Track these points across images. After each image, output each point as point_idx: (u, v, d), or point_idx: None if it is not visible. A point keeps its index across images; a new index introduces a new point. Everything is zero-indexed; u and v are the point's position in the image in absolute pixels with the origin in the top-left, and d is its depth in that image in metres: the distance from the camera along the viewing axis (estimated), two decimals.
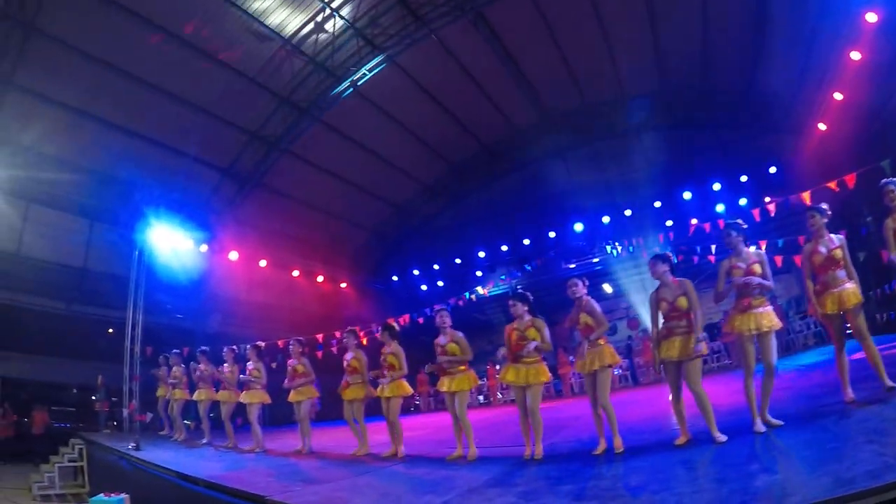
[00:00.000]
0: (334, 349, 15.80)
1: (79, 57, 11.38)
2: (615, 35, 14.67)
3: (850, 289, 4.96)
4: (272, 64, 13.78)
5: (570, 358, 16.22)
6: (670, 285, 5.07)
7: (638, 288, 19.31)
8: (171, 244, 12.59)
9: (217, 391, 9.17)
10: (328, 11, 13.01)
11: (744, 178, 15.46)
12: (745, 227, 5.09)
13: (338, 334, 16.08)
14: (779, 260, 11.22)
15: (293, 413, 8.17)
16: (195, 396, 9.48)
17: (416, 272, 21.40)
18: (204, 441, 9.40)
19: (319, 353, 14.73)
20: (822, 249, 5.05)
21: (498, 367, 17.78)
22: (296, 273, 18.57)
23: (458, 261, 20.95)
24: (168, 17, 11.53)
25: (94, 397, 12.36)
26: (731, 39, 13.99)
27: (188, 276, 14.10)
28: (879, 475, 2.96)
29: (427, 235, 21.68)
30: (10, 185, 12.04)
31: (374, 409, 8.19)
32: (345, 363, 7.62)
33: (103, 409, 11.98)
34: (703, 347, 5.00)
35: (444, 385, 6.21)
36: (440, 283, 20.87)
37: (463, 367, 6.22)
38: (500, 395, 17.57)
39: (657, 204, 16.83)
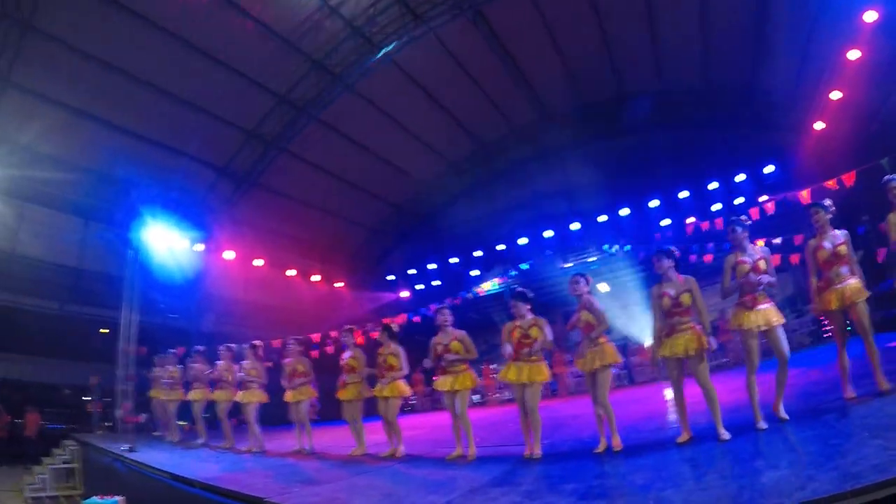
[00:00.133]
0: (330, 349, 15.76)
1: (76, 56, 11.29)
2: (614, 35, 14.70)
3: (855, 284, 4.94)
4: (269, 62, 13.68)
5: (567, 357, 16.22)
6: (674, 281, 5.04)
7: (633, 287, 19.40)
8: (166, 243, 12.52)
9: (213, 391, 9.06)
10: (327, 10, 12.94)
11: (741, 178, 15.47)
12: (749, 222, 5.07)
13: (334, 334, 16.04)
14: (776, 259, 11.23)
15: (287, 413, 8.09)
16: (190, 396, 9.34)
17: (412, 271, 21.34)
18: (200, 442, 9.31)
19: (315, 353, 14.63)
20: (827, 245, 5.03)
21: (493, 366, 17.79)
22: (292, 272, 18.45)
23: (454, 260, 20.91)
24: (164, 14, 11.42)
25: (86, 398, 12.24)
26: (729, 38, 14.00)
27: (183, 276, 14.02)
28: (886, 469, 2.96)
29: (424, 235, 21.62)
30: (6, 185, 11.96)
31: (370, 409, 8.13)
32: (342, 362, 7.56)
33: (97, 410, 11.86)
34: (713, 343, 4.97)
35: (447, 384, 6.14)
36: (436, 283, 20.80)
37: (464, 367, 6.17)
38: (496, 395, 17.57)
39: (654, 203, 16.83)
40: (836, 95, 10.72)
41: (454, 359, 6.13)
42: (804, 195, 9.27)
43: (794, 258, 10.88)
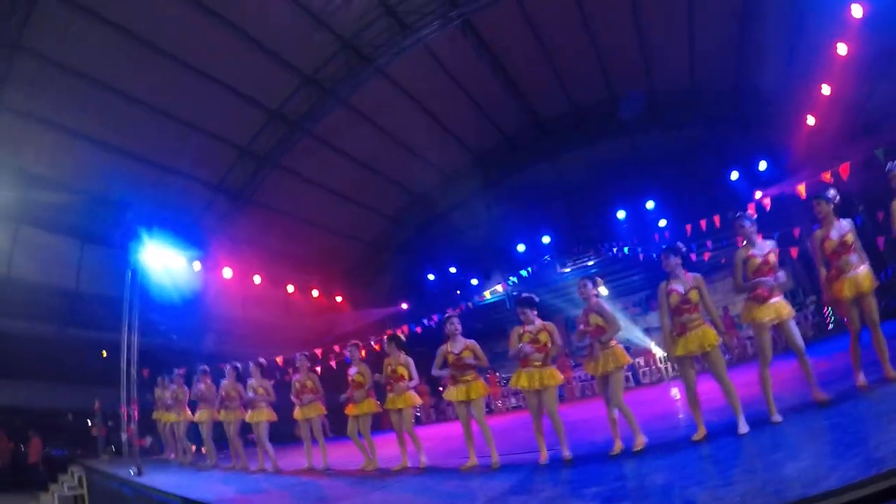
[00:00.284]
0: (333, 363, 15.71)
1: (68, 75, 11.18)
2: (602, 37, 14.74)
3: (865, 272, 5.00)
4: (260, 77, 13.67)
5: (571, 362, 16.22)
6: (682, 278, 5.07)
7: (628, 290, 19.47)
8: (163, 263, 12.40)
9: (219, 411, 8.95)
10: (316, 24, 12.95)
11: (735, 175, 15.60)
12: (755, 216, 5.13)
13: (336, 348, 16.00)
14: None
15: (295, 430, 8.00)
16: (196, 417, 9.24)
17: (410, 283, 21.31)
18: (209, 463, 9.20)
19: (318, 368, 14.57)
20: (834, 235, 5.10)
21: (497, 374, 17.75)
22: (290, 288, 18.41)
23: (452, 269, 20.90)
24: (154, 31, 11.38)
25: (90, 422, 12.09)
26: (717, 38, 14.08)
27: (182, 295, 13.87)
28: None
29: (420, 246, 21.60)
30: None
31: (374, 423, 8.05)
32: (349, 378, 7.49)
33: (101, 434, 11.72)
34: (726, 337, 5.02)
35: (461, 394, 6.06)
36: (436, 293, 20.79)
37: (474, 375, 6.13)
38: (499, 404, 17.52)
39: (650, 204, 16.92)
40: (826, 90, 10.85)
41: (470, 363, 6.07)
42: (801, 189, 9.36)
43: (793, 252, 10.96)
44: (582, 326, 5.57)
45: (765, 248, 5.05)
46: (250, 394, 8.30)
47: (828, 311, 13.43)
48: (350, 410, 7.35)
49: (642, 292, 19.24)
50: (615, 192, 17.10)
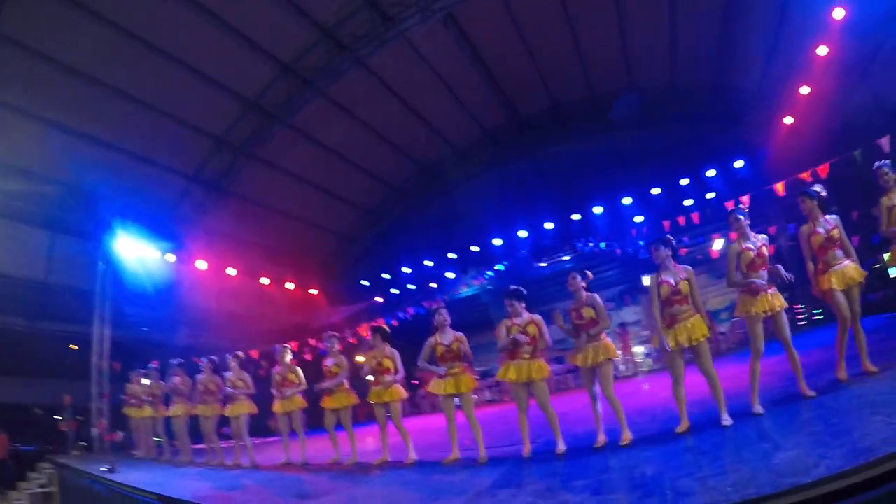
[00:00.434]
0: (308, 356, 15.53)
1: (39, 61, 10.77)
2: (584, 34, 14.82)
3: (852, 265, 5.13)
4: (238, 66, 13.38)
5: (550, 355, 16.30)
6: (672, 269, 5.11)
7: (603, 286, 19.62)
8: (136, 254, 12.10)
9: (195, 405, 8.72)
10: (297, 14, 12.72)
11: (711, 173, 15.85)
12: (747, 210, 5.21)
13: (312, 341, 15.83)
14: None
15: (269, 423, 7.84)
16: (171, 412, 9.00)
17: (385, 276, 21.17)
18: (185, 459, 8.98)
19: (294, 362, 14.36)
20: (821, 230, 5.22)
21: (476, 368, 17.77)
22: (265, 281, 18.14)
23: (428, 263, 20.83)
24: (129, 17, 11.03)
25: (58, 417, 11.70)
26: (698, 36, 14.26)
27: (155, 287, 13.53)
28: (895, 442, 3.02)
29: (395, 238, 21.45)
30: None
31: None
32: (325, 369, 7.33)
33: (71, 429, 11.36)
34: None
35: (450, 387, 5.98)
36: (411, 286, 20.70)
37: (462, 367, 6.06)
38: (477, 396, 17.55)
39: (627, 200, 17.10)
40: (804, 90, 11.08)
41: (463, 351, 6.01)
42: (779, 188, 9.56)
43: (770, 249, 11.15)
44: (576, 320, 5.52)
45: (758, 242, 5.14)
46: (229, 387, 8.11)
47: (800, 307, 13.77)
48: (326, 403, 7.20)
49: (616, 287, 19.44)
50: (593, 188, 17.20)
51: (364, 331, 17.17)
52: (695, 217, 12.86)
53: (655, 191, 16.62)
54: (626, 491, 3.80)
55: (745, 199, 10.23)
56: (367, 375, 6.85)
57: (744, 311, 5.09)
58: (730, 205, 11.06)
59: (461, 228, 19.79)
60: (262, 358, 14.18)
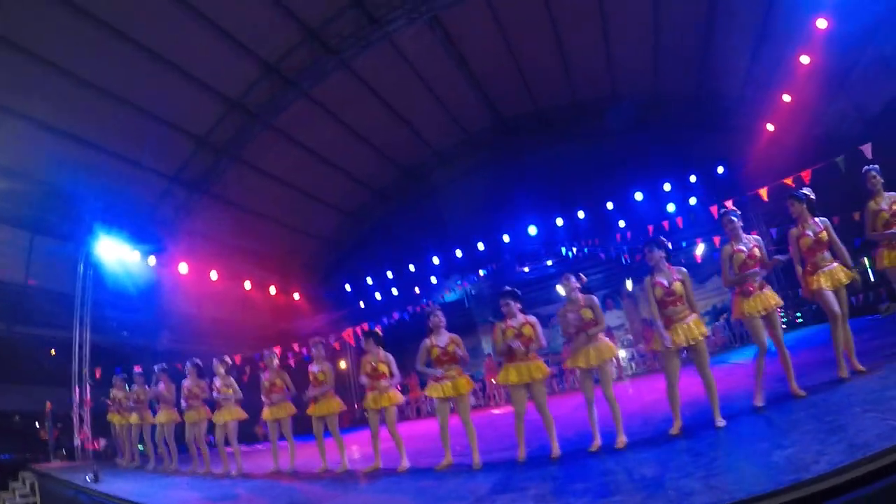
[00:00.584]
0: (292, 362, 15.36)
1: (16, 54, 10.42)
2: (568, 40, 14.96)
3: (839, 267, 5.27)
4: (221, 65, 13.17)
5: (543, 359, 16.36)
6: (666, 271, 5.17)
7: (585, 291, 19.70)
8: (117, 257, 11.83)
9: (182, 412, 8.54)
10: (282, 13, 12.59)
11: (693, 179, 16.11)
12: (739, 212, 5.31)
13: (296, 347, 15.66)
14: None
15: (255, 429, 7.72)
16: (157, 419, 8.79)
17: (369, 280, 21.06)
18: (171, 467, 8.79)
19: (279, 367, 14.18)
20: (810, 233, 5.34)
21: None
22: (248, 285, 17.90)
23: (411, 267, 20.79)
24: (111, 13, 10.77)
25: (37, 424, 11.35)
26: (679, 42, 14.46)
27: (137, 291, 13.23)
28: (891, 437, 3.10)
29: (379, 242, 21.34)
30: None
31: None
32: (310, 375, 7.25)
33: (52, 437, 11.03)
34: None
35: (446, 390, 5.90)
36: (395, 291, 20.62)
37: (459, 370, 6.01)
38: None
39: (609, 205, 17.29)
40: (787, 98, 11.31)
41: (459, 355, 5.96)
42: (763, 193, 9.74)
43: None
44: (575, 322, 5.49)
45: (750, 244, 5.24)
46: (216, 393, 7.97)
47: (780, 310, 14.03)
48: (312, 410, 7.14)
49: (599, 292, 19.60)
50: (577, 193, 17.37)
51: (348, 336, 17.07)
52: (679, 222, 13.04)
53: (638, 196, 16.82)
54: (628, 493, 3.79)
55: (728, 203, 10.38)
56: (361, 380, 6.76)
57: (739, 313, 5.19)
58: (714, 209, 11.28)
59: (444, 233, 19.79)
60: (244, 363, 14.01)
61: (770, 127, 12.51)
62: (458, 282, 20.45)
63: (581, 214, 17.82)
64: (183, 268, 15.01)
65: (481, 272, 19.84)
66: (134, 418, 9.10)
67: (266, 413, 7.60)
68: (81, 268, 10.17)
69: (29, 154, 11.80)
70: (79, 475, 7.99)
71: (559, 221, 18.17)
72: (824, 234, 5.31)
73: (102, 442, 10.75)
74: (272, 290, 18.95)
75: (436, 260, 20.14)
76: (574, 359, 5.47)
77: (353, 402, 19.24)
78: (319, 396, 7.12)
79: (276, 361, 7.85)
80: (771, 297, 5.12)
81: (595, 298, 5.57)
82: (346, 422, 13.72)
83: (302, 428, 8.65)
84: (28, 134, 11.64)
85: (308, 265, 21.05)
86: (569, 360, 5.58)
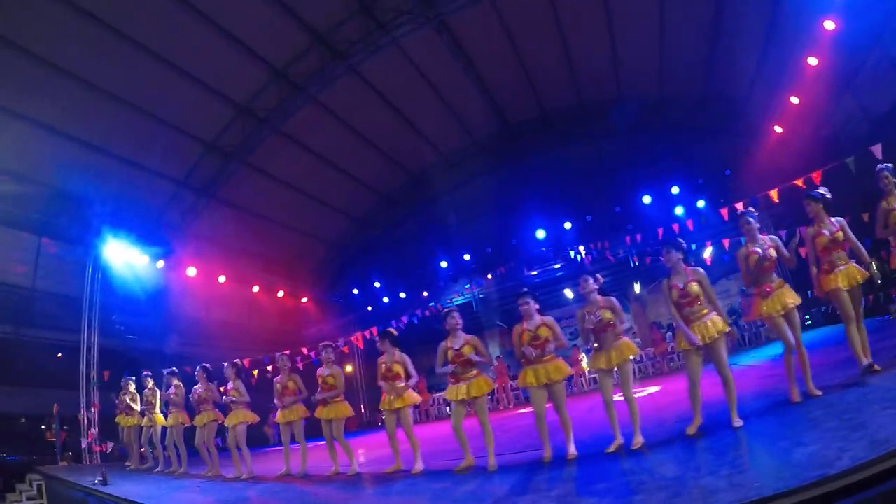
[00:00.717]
0: (300, 365, 15.34)
1: (27, 60, 10.49)
2: (574, 44, 15.02)
3: (854, 266, 5.27)
4: (230, 71, 13.25)
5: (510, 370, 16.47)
6: (682, 273, 5.15)
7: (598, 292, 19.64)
8: (125, 260, 11.84)
9: (192, 416, 8.51)
10: (291, 19, 12.66)
11: (700, 181, 16.08)
12: (757, 213, 5.30)
13: (304, 350, 15.65)
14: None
15: (263, 430, 7.68)
16: (168, 422, 8.78)
17: (377, 284, 21.07)
18: (180, 470, 8.77)
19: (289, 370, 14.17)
20: (826, 232, 5.33)
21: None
22: (256, 289, 17.93)
23: (419, 271, 20.80)
24: (120, 17, 10.83)
25: (44, 427, 11.32)
26: (688, 44, 14.48)
27: (145, 294, 13.24)
28: None
29: (387, 247, 21.41)
30: None
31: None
32: (319, 379, 7.20)
33: (59, 439, 11.01)
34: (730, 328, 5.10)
35: (462, 392, 5.81)
36: (402, 295, 20.61)
37: (476, 372, 5.93)
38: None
39: (617, 208, 17.27)
40: (794, 100, 11.29)
41: (473, 359, 5.86)
42: (773, 195, 9.72)
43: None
44: (596, 322, 5.41)
45: (765, 245, 5.23)
46: (225, 397, 7.97)
47: None
48: (320, 414, 7.10)
49: (607, 296, 19.52)
50: (583, 196, 17.37)
51: (357, 340, 17.06)
52: (689, 224, 13.00)
53: (647, 199, 16.79)
54: (651, 492, 3.71)
55: (738, 206, 10.37)
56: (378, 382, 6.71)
57: (758, 314, 5.18)
58: (724, 212, 11.25)
59: (452, 237, 19.80)
60: (252, 367, 14.01)
61: (778, 129, 12.48)
62: (467, 285, 20.40)
63: (588, 217, 17.79)
64: (191, 271, 15.06)
65: (489, 276, 19.80)
66: (144, 420, 9.09)
67: (278, 416, 7.56)
68: (89, 271, 10.17)
69: (37, 158, 11.85)
70: (85, 477, 7.95)
71: (567, 225, 18.15)
72: (840, 233, 5.31)
73: (110, 445, 10.73)
74: (280, 293, 18.98)
75: (444, 264, 20.15)
76: (595, 360, 5.44)
77: (360, 406, 19.22)
78: (329, 400, 7.07)
79: (288, 364, 7.81)
80: (788, 296, 5.10)
81: (614, 299, 5.51)
82: (353, 426, 13.68)
83: (314, 431, 8.62)
84: (36, 138, 11.70)
85: (316, 269, 21.08)
86: (590, 362, 5.55)
